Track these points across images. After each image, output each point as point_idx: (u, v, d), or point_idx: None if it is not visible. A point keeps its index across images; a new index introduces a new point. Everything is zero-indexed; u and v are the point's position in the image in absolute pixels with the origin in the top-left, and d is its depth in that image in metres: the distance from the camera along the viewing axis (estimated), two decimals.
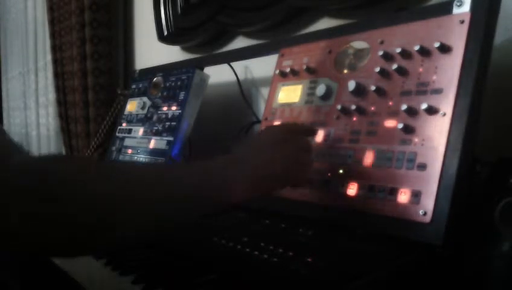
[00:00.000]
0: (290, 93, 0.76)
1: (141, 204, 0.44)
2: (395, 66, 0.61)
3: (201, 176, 0.51)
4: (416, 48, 0.59)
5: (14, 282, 0.62)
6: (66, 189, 0.39)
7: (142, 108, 1.17)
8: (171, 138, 1.03)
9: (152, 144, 1.08)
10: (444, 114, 0.55)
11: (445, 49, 0.57)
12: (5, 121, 3.12)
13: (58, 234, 0.38)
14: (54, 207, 0.37)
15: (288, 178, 0.60)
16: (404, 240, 0.53)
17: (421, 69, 0.59)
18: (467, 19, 0.56)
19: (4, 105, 3.20)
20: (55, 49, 2.03)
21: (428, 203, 0.53)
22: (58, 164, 0.42)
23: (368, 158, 0.61)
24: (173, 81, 1.09)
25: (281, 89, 0.79)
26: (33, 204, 0.36)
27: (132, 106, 1.22)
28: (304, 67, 0.74)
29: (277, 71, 0.80)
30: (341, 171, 0.62)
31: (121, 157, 1.18)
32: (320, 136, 0.68)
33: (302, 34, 0.93)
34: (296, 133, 0.63)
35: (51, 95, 2.28)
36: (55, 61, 2.04)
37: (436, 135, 0.55)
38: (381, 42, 0.65)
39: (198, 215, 0.53)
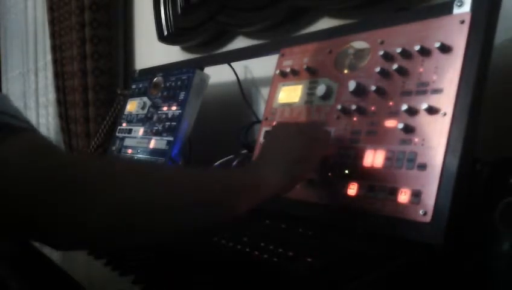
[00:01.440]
0: (290, 93, 0.76)
1: (177, 207, 0.44)
2: (395, 66, 0.61)
3: (228, 179, 0.51)
4: (417, 48, 0.59)
5: (14, 283, 0.62)
6: (86, 194, 0.38)
7: (142, 108, 1.17)
8: (171, 138, 1.03)
9: (152, 144, 1.08)
10: (445, 114, 0.55)
11: (445, 49, 0.57)
12: None
13: (77, 234, 0.38)
14: (78, 207, 0.37)
15: (315, 158, 0.60)
16: (404, 240, 0.52)
17: (421, 69, 0.59)
18: (468, 19, 0.56)
19: None
20: (55, 49, 2.03)
21: (428, 203, 0.53)
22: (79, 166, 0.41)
23: (368, 158, 0.61)
24: (173, 81, 1.09)
25: (281, 89, 0.79)
26: (61, 203, 0.36)
27: (132, 106, 1.22)
28: (304, 67, 0.74)
29: (277, 71, 0.80)
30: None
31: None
32: None
33: (302, 34, 0.93)
34: (309, 124, 0.65)
35: (51, 95, 2.28)
36: (55, 61, 2.04)
37: (437, 135, 0.55)
38: (382, 42, 0.65)
39: (228, 220, 0.52)
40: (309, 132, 0.61)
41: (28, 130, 0.38)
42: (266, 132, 0.78)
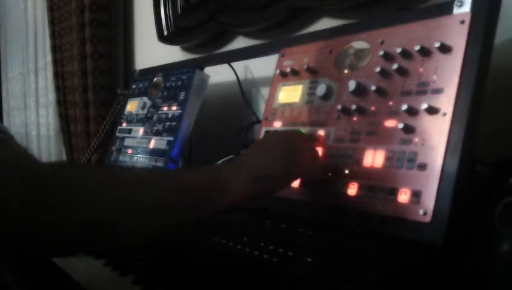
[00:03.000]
0: (291, 93, 0.76)
1: (140, 209, 0.45)
2: (395, 66, 0.61)
3: (199, 178, 0.52)
4: (417, 48, 0.59)
5: (14, 283, 0.62)
6: (66, 198, 0.39)
7: (142, 108, 1.17)
8: (171, 138, 1.03)
9: (152, 144, 1.08)
10: (445, 114, 0.55)
11: (445, 49, 0.57)
12: (5, 121, 3.12)
13: (57, 237, 0.39)
14: (53, 215, 0.38)
15: (289, 179, 0.60)
16: (404, 240, 0.52)
17: (421, 69, 0.59)
18: (468, 19, 0.56)
19: (4, 105, 3.20)
20: (55, 49, 2.03)
21: (428, 203, 0.53)
22: (61, 172, 0.43)
23: (368, 158, 0.61)
24: (173, 81, 1.09)
25: (281, 89, 0.79)
26: (36, 212, 0.37)
27: (132, 106, 1.22)
28: (305, 67, 0.74)
29: (277, 71, 0.80)
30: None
31: (121, 157, 1.18)
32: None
33: (302, 34, 0.93)
34: (299, 138, 0.65)
35: (51, 95, 2.28)
36: (55, 61, 2.04)
37: (437, 134, 0.55)
38: (382, 42, 0.65)
39: (199, 218, 0.53)
40: (295, 155, 0.60)
41: (1, 141, 0.39)
42: (266, 132, 0.78)
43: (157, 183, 0.48)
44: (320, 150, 0.66)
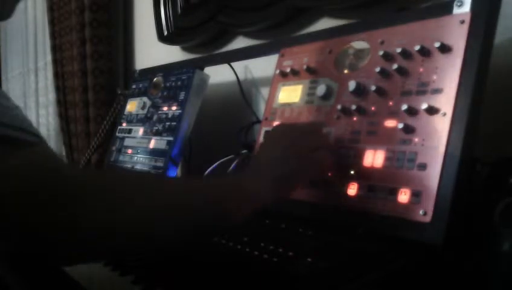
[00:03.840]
0: (290, 93, 0.76)
1: (160, 218, 0.44)
2: (395, 66, 0.61)
3: (218, 188, 0.51)
4: (417, 48, 0.59)
5: (14, 283, 0.62)
6: (99, 204, 0.40)
7: (142, 108, 1.17)
8: (171, 138, 1.03)
9: (152, 144, 1.08)
10: (444, 114, 0.55)
11: (445, 49, 0.57)
12: None
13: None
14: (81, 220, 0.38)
15: (299, 177, 0.59)
16: (404, 240, 0.52)
17: (421, 69, 0.59)
18: (467, 19, 0.56)
19: None
20: (55, 49, 2.03)
21: (428, 203, 0.53)
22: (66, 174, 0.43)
23: (368, 158, 0.61)
24: (173, 81, 1.09)
25: (281, 89, 0.79)
26: (64, 217, 0.37)
27: (132, 106, 1.22)
28: (304, 67, 0.74)
29: (277, 71, 0.80)
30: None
31: (121, 157, 1.18)
32: None
33: (302, 34, 0.93)
34: (305, 131, 0.63)
35: (51, 95, 2.28)
36: (55, 61, 2.04)
37: (437, 134, 0.55)
38: (382, 42, 0.65)
39: (220, 229, 0.53)
40: (303, 149, 0.59)
41: (33, 144, 0.39)
42: (266, 132, 0.78)
43: (178, 190, 0.48)
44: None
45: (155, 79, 1.17)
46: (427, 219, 0.52)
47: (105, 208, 0.40)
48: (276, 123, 0.77)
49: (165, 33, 1.39)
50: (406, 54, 0.61)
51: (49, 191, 0.37)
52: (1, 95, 0.40)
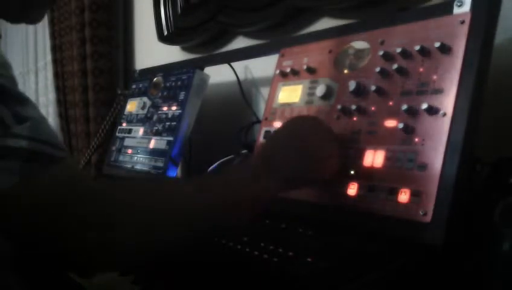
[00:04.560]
0: (290, 93, 0.76)
1: (171, 219, 0.46)
2: (395, 66, 0.61)
3: (231, 192, 0.52)
4: (417, 48, 0.59)
5: (14, 283, 0.62)
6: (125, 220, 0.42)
7: (142, 108, 1.17)
8: (171, 138, 1.03)
9: (152, 144, 1.08)
10: (444, 114, 0.55)
11: (445, 49, 0.57)
12: None
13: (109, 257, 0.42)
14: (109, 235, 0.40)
15: (309, 182, 0.61)
16: (404, 240, 0.52)
17: (421, 69, 0.59)
18: (467, 19, 0.56)
19: None
20: (55, 49, 2.03)
21: (428, 203, 0.53)
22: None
23: (368, 158, 0.60)
24: (173, 81, 1.09)
25: (281, 89, 0.79)
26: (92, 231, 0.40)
27: (132, 106, 1.22)
28: (304, 67, 0.74)
29: (277, 71, 0.80)
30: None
31: (121, 157, 1.18)
32: None
33: (302, 34, 0.93)
34: (316, 125, 0.62)
35: (51, 95, 2.28)
36: (55, 61, 2.04)
37: (437, 135, 0.55)
38: (382, 42, 0.65)
39: (233, 226, 0.55)
40: (316, 145, 0.59)
41: (64, 159, 0.41)
42: (266, 131, 0.78)
43: (189, 201, 0.49)
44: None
45: (155, 79, 1.17)
46: (427, 219, 0.52)
47: (137, 225, 0.42)
48: (276, 123, 0.77)
49: (165, 33, 1.39)
50: (406, 54, 0.61)
51: (82, 206, 0.40)
52: (32, 105, 0.41)
